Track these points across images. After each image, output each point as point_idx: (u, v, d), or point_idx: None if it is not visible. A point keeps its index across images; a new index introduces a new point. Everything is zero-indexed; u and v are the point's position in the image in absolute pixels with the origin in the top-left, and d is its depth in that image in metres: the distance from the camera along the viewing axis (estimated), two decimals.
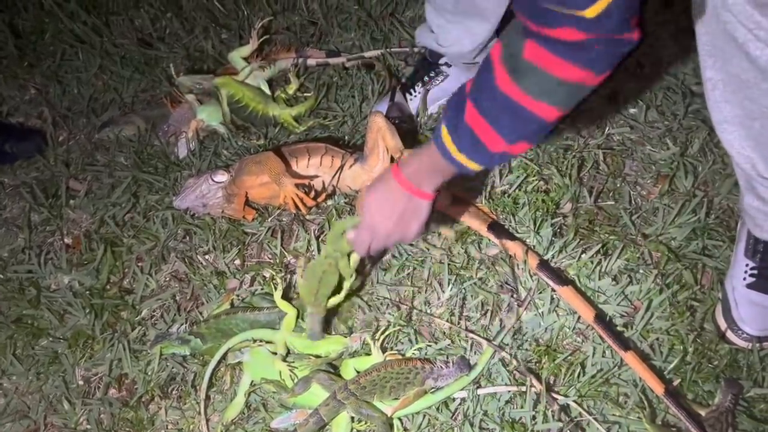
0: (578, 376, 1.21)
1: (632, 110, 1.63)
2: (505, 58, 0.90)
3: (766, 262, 1.24)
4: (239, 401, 1.25)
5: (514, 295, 1.33)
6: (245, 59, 1.80)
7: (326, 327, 1.31)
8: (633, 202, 1.46)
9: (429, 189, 1.10)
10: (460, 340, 1.28)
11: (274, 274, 1.38)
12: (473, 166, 1.01)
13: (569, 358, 1.24)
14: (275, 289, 1.32)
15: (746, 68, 0.94)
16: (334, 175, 1.45)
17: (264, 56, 1.83)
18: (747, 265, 1.26)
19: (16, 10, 2.21)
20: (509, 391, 1.20)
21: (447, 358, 1.22)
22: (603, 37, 0.82)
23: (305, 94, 1.77)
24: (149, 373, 1.32)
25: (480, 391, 1.21)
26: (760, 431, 1.15)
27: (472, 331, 1.28)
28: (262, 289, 1.40)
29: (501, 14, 1.37)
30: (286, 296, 1.33)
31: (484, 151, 0.98)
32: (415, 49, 1.80)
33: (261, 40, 1.79)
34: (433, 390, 1.20)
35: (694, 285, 1.32)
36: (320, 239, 1.46)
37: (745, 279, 1.26)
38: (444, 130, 1.01)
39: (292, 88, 1.77)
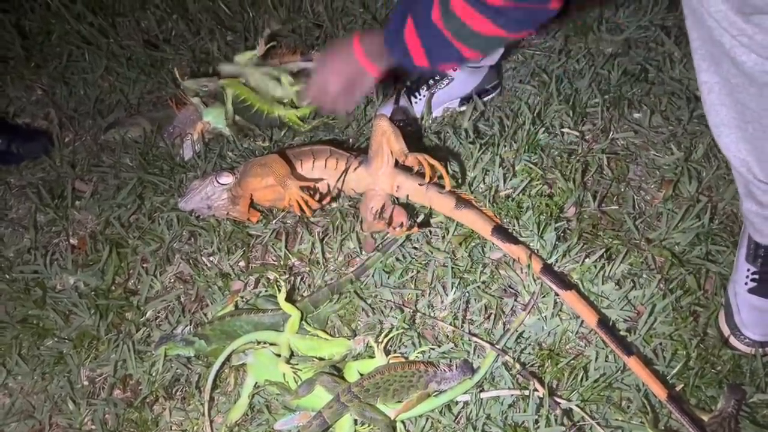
0: (581, 381, 1.21)
1: (636, 115, 1.63)
2: (440, 1, 1.03)
3: (767, 267, 1.24)
4: (243, 403, 1.25)
5: (518, 299, 1.33)
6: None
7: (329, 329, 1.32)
8: (637, 206, 1.47)
9: (379, 66, 1.22)
10: (463, 344, 1.28)
11: (277, 276, 1.39)
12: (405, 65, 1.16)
13: (572, 362, 1.24)
14: (278, 291, 1.32)
15: (734, 73, 0.95)
16: (339, 177, 1.46)
17: (270, 59, 1.83)
18: (748, 270, 1.26)
19: (23, 11, 2.22)
20: (512, 395, 1.21)
21: (450, 361, 1.22)
22: (521, 7, 0.94)
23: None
24: (154, 374, 1.33)
25: (483, 395, 1.21)
26: None
27: (475, 335, 1.28)
28: (266, 290, 1.40)
29: None
30: (289, 298, 1.33)
31: (409, 60, 1.13)
32: None
33: (268, 46, 1.80)
34: (436, 393, 1.20)
35: (698, 290, 1.32)
36: (324, 241, 1.46)
37: (746, 284, 1.26)
38: (388, 32, 1.15)
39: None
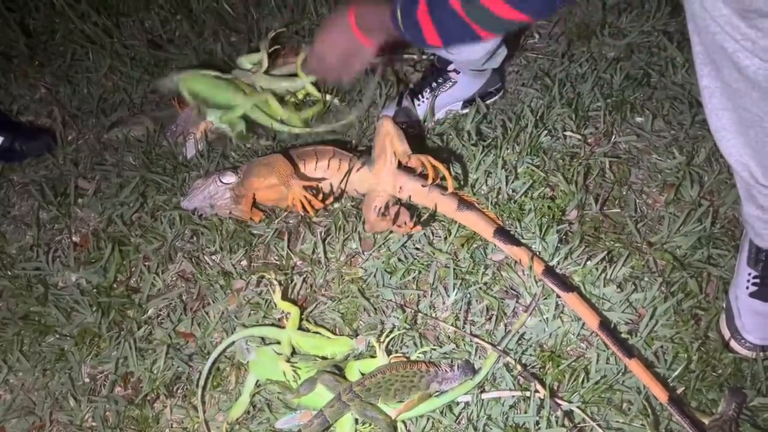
0: (582, 382, 1.22)
1: (639, 119, 1.64)
2: None
3: None
4: (244, 401, 1.25)
5: (519, 301, 1.33)
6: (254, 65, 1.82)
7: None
8: (639, 210, 1.47)
9: (374, 39, 1.20)
10: (464, 345, 1.29)
11: (270, 278, 1.39)
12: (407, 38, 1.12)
13: (573, 364, 1.25)
14: (273, 291, 1.33)
15: (736, 78, 0.95)
16: (342, 178, 1.46)
17: (273, 60, 1.84)
18: (749, 274, 1.27)
19: (28, 10, 2.22)
20: (513, 396, 1.21)
21: (451, 361, 1.22)
22: None
23: (314, 98, 1.78)
24: (155, 372, 1.33)
25: (484, 396, 1.21)
26: None
27: (476, 336, 1.28)
28: (267, 290, 1.41)
29: None
30: (285, 296, 1.34)
31: (421, 39, 1.09)
32: (424, 56, 1.81)
33: (271, 50, 1.81)
34: (437, 393, 1.20)
35: (699, 293, 1.32)
36: (326, 241, 1.46)
37: (747, 288, 1.27)
38: (399, 11, 1.11)
39: (301, 92, 1.79)
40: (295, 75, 1.79)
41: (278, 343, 1.31)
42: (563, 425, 1.16)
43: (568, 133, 1.61)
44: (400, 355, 1.27)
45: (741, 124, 1.02)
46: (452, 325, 1.31)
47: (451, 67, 1.64)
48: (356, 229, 1.46)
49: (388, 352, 1.26)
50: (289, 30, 1.97)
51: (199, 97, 1.73)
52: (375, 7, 1.18)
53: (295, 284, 1.40)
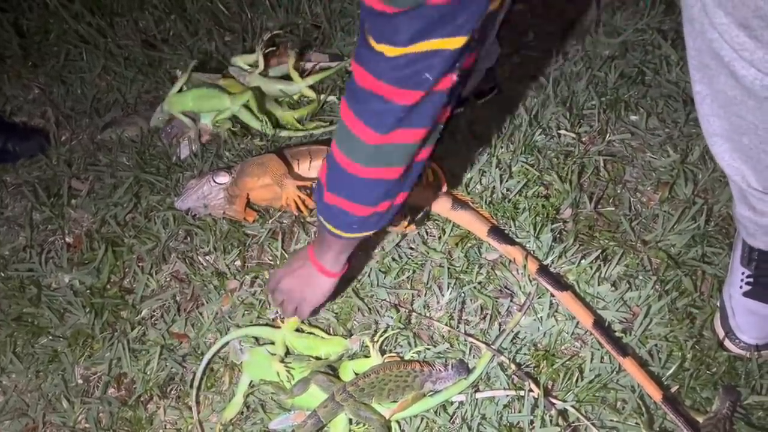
0: (576, 381, 1.21)
1: (633, 117, 1.64)
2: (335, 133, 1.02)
3: (761, 270, 1.24)
4: (238, 401, 1.25)
5: (513, 300, 1.33)
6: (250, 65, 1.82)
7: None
8: (633, 208, 1.47)
9: (333, 268, 1.19)
10: (458, 344, 1.28)
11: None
12: (359, 235, 1.10)
13: (567, 362, 1.24)
14: None
15: (732, 85, 0.95)
16: None
17: (267, 61, 1.83)
18: (743, 273, 1.26)
19: (21, 10, 2.22)
20: (507, 395, 1.21)
21: (446, 361, 1.22)
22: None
23: (309, 98, 1.78)
24: (148, 373, 1.32)
25: (478, 395, 1.21)
26: None
27: (470, 335, 1.28)
28: (261, 290, 1.40)
29: (500, 18, 1.38)
30: None
31: (353, 219, 1.06)
32: None
33: (266, 51, 1.80)
34: (431, 393, 1.20)
35: (694, 292, 1.32)
36: None
37: (741, 287, 1.27)
38: (318, 212, 1.11)
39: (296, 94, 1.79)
40: (289, 77, 1.79)
41: (272, 343, 1.31)
42: (557, 424, 1.16)
43: (562, 132, 1.60)
44: (394, 354, 1.27)
45: (734, 131, 1.01)
46: (446, 324, 1.31)
47: None
48: None
49: (382, 352, 1.25)
50: (284, 30, 1.97)
51: (189, 112, 1.73)
52: (320, 234, 1.16)
53: None
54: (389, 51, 0.83)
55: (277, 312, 1.36)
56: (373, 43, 0.85)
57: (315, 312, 1.30)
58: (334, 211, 1.07)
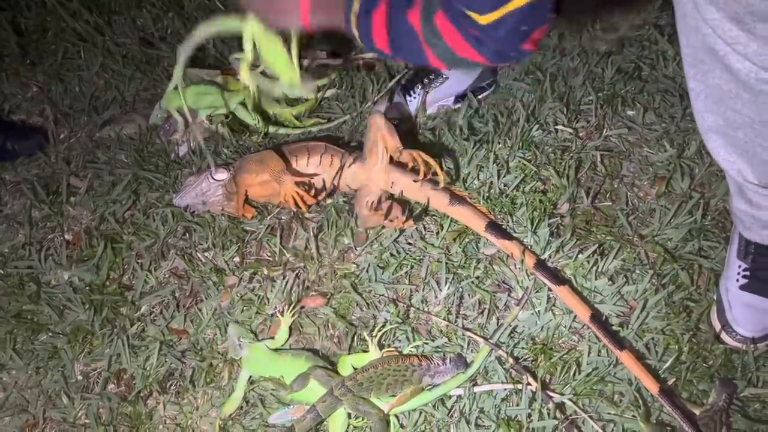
0: (574, 375, 1.22)
1: (630, 112, 1.64)
2: (423, 6, 1.00)
3: (758, 264, 1.25)
4: (237, 396, 1.26)
5: (511, 294, 1.34)
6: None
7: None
8: (630, 203, 1.47)
9: (311, 19, 1.10)
10: (456, 338, 1.29)
11: None
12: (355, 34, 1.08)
13: (565, 356, 1.25)
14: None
15: (727, 79, 0.95)
16: (334, 174, 1.46)
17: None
18: (739, 266, 1.27)
19: (19, 8, 2.22)
20: (505, 389, 1.21)
21: (444, 355, 1.22)
22: (493, 43, 0.95)
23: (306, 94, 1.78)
24: (148, 369, 1.33)
25: (476, 389, 1.21)
26: (754, 430, 1.16)
27: (468, 330, 1.29)
28: (260, 286, 1.41)
29: None
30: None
31: (370, 41, 1.07)
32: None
33: None
34: (429, 387, 1.20)
35: (690, 285, 1.33)
36: (319, 237, 1.47)
37: (738, 281, 1.27)
38: (356, 4, 1.06)
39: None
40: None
41: (272, 338, 1.31)
42: (555, 417, 1.17)
43: (559, 127, 1.61)
44: (393, 349, 1.27)
45: (729, 126, 1.02)
46: (444, 319, 1.31)
47: None
48: (349, 224, 1.46)
49: (381, 347, 1.26)
50: None
51: (186, 109, 1.73)
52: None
53: (288, 280, 1.40)
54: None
55: (275, 308, 1.36)
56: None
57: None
58: (364, 23, 1.04)
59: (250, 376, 1.28)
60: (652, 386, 1.17)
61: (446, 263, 1.37)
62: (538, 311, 1.30)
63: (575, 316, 1.28)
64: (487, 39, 0.95)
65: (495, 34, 0.93)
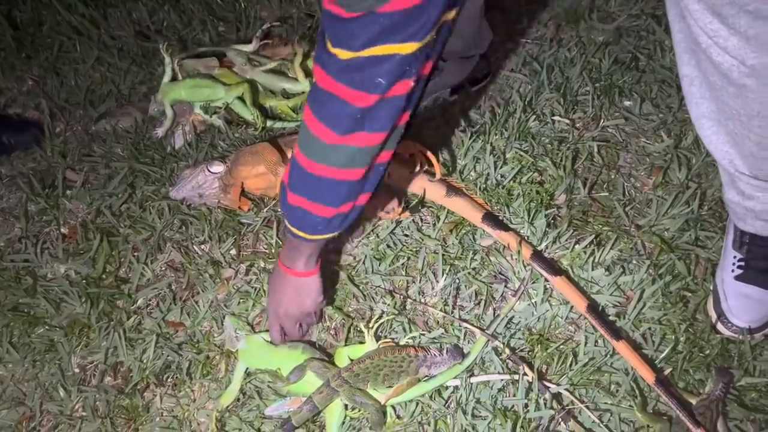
0: (570, 365, 1.22)
1: (627, 103, 1.64)
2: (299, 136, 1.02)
3: (753, 254, 1.24)
4: (234, 388, 1.26)
5: (508, 285, 1.34)
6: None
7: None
8: (627, 193, 1.47)
9: (307, 267, 1.18)
10: (453, 329, 1.29)
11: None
12: (324, 237, 1.11)
13: (562, 347, 1.25)
14: None
15: (712, 71, 0.95)
16: None
17: (262, 50, 1.83)
18: (735, 257, 1.27)
19: (14, 2, 2.21)
20: (502, 380, 1.21)
21: (440, 346, 1.22)
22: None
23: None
24: (144, 361, 1.33)
25: (473, 380, 1.21)
26: (750, 419, 1.16)
27: (465, 321, 1.29)
28: (257, 278, 1.41)
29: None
30: None
31: (317, 220, 1.07)
32: None
33: (261, 43, 1.80)
34: (426, 378, 1.20)
35: (687, 275, 1.32)
36: None
37: (733, 271, 1.27)
38: (284, 216, 1.11)
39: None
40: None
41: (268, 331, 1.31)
42: (552, 407, 1.17)
43: (556, 118, 1.61)
44: (389, 340, 1.27)
45: (720, 115, 1.01)
46: (441, 310, 1.31)
47: None
48: None
49: (377, 338, 1.26)
50: (280, 21, 1.96)
51: (183, 102, 1.72)
52: (287, 240, 1.16)
53: None
54: (342, 54, 0.85)
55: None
56: (329, 45, 0.87)
57: (321, 315, 1.31)
58: (299, 213, 1.07)
59: (247, 369, 1.28)
60: (648, 376, 1.17)
61: (443, 254, 1.37)
62: (535, 302, 1.30)
63: (572, 307, 1.28)
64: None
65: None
